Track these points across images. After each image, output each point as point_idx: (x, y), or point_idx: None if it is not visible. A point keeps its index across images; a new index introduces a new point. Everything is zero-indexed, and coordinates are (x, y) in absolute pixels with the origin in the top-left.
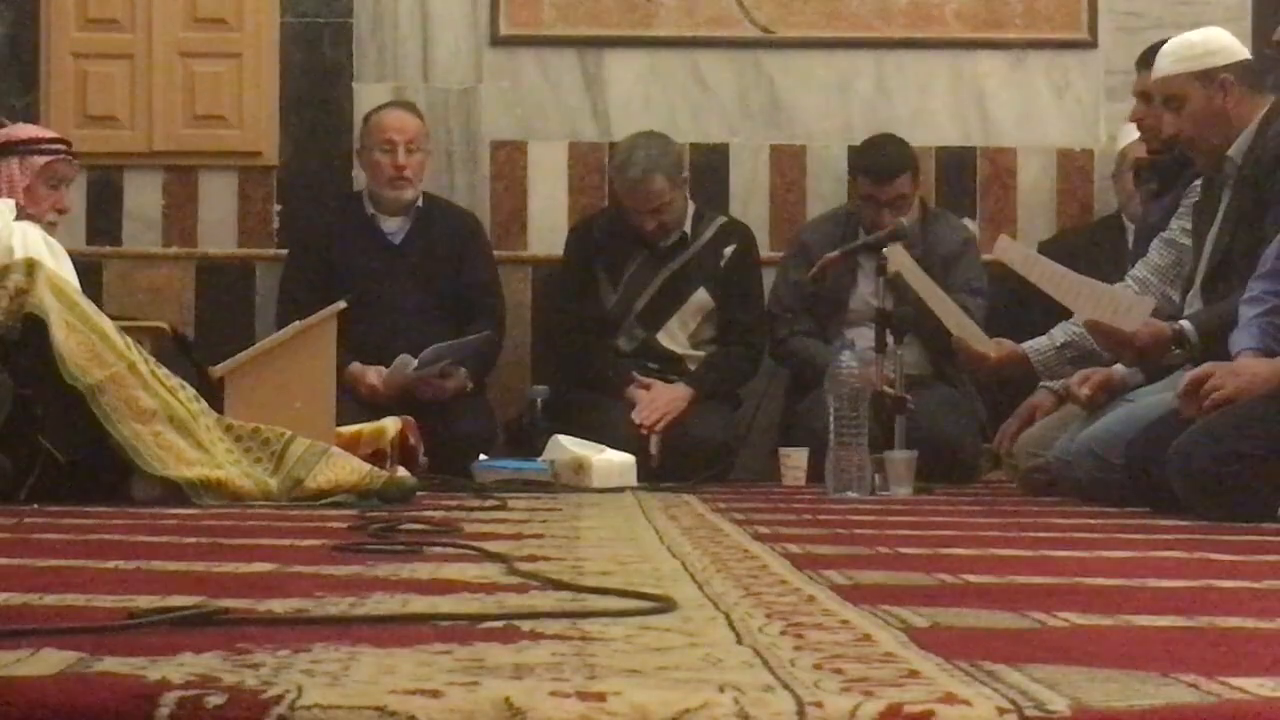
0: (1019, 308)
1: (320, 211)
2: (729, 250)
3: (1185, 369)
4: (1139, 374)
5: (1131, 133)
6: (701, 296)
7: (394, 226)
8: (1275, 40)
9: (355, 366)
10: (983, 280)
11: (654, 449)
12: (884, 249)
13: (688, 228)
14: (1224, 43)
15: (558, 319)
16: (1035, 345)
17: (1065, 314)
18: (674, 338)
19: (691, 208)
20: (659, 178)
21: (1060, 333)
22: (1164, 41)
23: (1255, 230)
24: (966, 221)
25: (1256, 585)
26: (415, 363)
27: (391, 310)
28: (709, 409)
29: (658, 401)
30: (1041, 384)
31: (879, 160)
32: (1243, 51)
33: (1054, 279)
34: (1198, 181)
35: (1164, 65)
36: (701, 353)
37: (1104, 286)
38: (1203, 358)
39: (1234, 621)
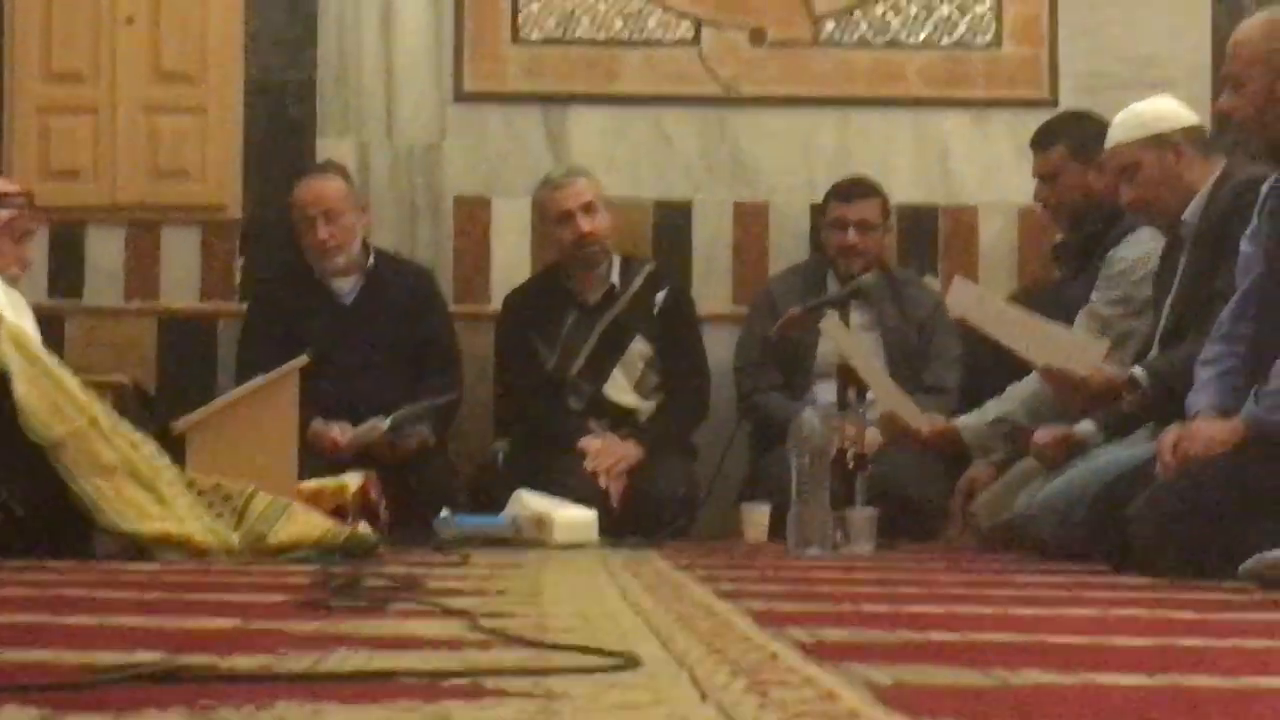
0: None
1: (276, 270)
2: (660, 296)
3: (1147, 429)
4: (1099, 433)
5: None
6: (639, 346)
7: (345, 287)
8: (1216, 107)
9: (318, 423)
10: (958, 348)
11: (614, 498)
12: (827, 312)
13: (615, 279)
14: (1172, 109)
15: (506, 383)
16: (967, 421)
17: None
18: (621, 390)
19: (617, 260)
20: (583, 179)
21: (993, 408)
22: (1053, 121)
23: (1209, 287)
24: (929, 279)
25: (1219, 643)
26: (386, 424)
27: (348, 369)
28: (667, 463)
29: (610, 450)
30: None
31: (850, 182)
32: (1191, 117)
33: (1008, 324)
34: (1112, 253)
35: (1115, 135)
36: (651, 403)
37: (1060, 327)
38: (1154, 403)
39: (1197, 680)
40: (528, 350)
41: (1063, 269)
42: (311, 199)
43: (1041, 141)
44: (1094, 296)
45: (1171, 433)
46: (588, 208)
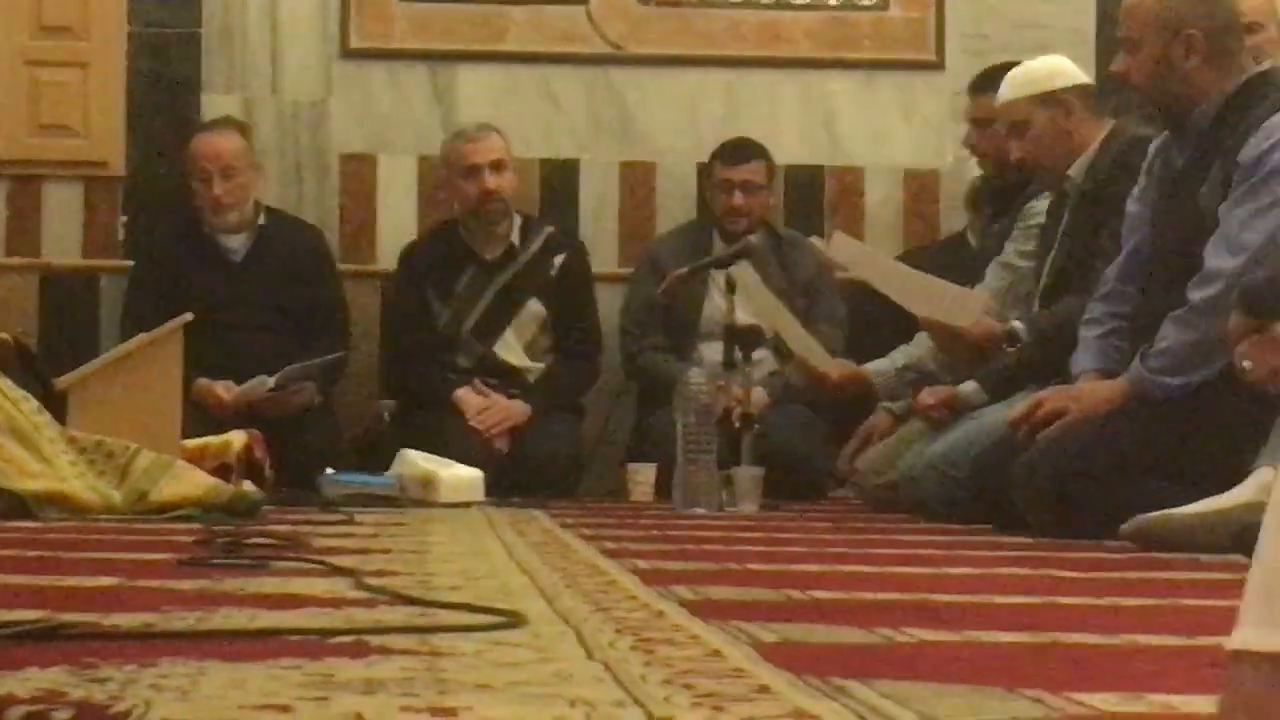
0: (872, 328)
1: (164, 226)
2: (559, 260)
3: (1029, 390)
4: (983, 394)
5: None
6: (534, 307)
7: (235, 244)
8: (1111, 71)
9: (203, 381)
10: (842, 308)
11: (501, 445)
12: (730, 268)
13: (515, 239)
14: (1064, 67)
15: (392, 342)
16: (876, 366)
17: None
18: (511, 350)
19: (518, 220)
20: (496, 136)
21: (900, 355)
22: (995, 68)
23: (1090, 246)
24: (815, 240)
25: (1099, 601)
26: (271, 382)
27: (236, 327)
28: (553, 423)
29: (496, 408)
30: (881, 405)
31: (735, 144)
32: (1083, 76)
33: (889, 276)
34: (1030, 204)
35: (1007, 92)
36: (540, 364)
37: (938, 281)
38: (1033, 356)
39: (1077, 637)
40: (421, 305)
41: (979, 215)
42: (209, 154)
43: (979, 86)
44: (1007, 247)
45: (1046, 392)
46: (496, 165)
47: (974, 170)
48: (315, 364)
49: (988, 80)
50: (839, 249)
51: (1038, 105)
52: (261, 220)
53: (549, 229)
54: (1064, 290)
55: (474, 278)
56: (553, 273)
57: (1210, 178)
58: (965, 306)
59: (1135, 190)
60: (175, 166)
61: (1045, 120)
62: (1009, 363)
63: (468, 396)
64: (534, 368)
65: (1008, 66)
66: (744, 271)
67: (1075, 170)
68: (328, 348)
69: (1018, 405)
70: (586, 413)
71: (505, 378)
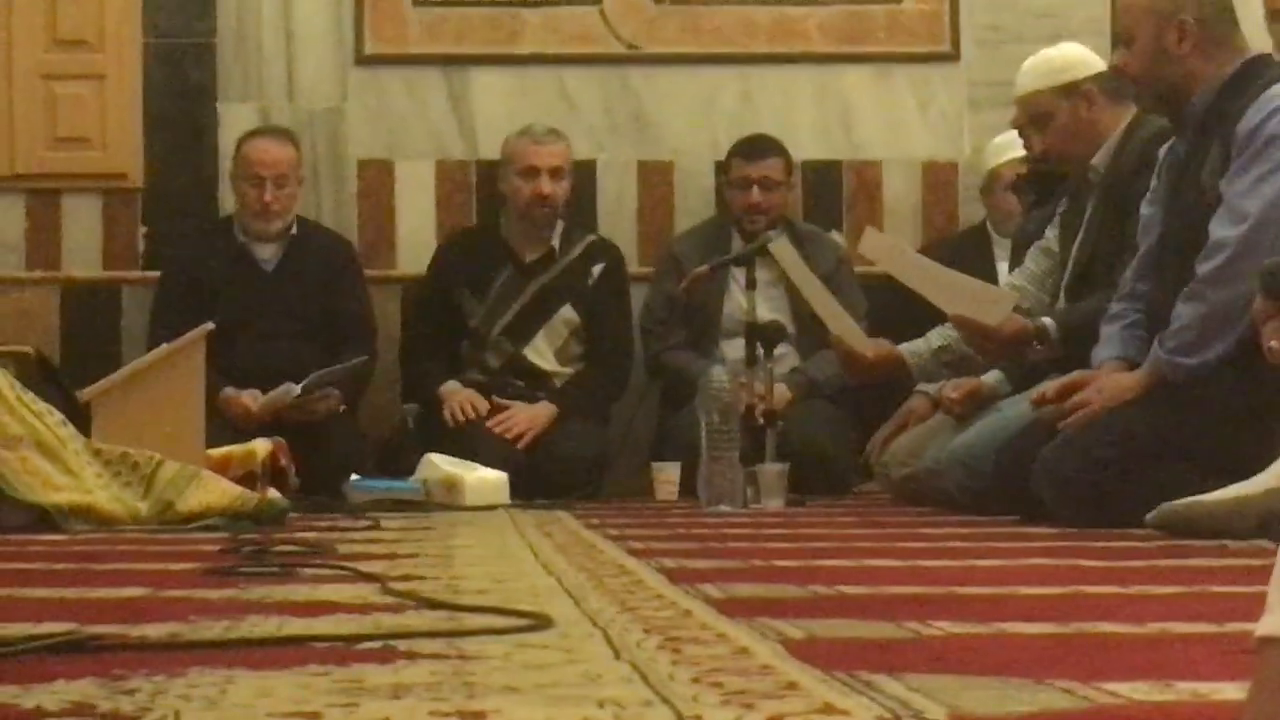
0: (897, 317)
1: (189, 236)
2: (597, 269)
3: (1050, 378)
4: (1007, 384)
5: (1001, 151)
6: (568, 313)
7: (267, 254)
8: (1110, 66)
9: (229, 391)
10: (863, 301)
11: (520, 444)
12: (767, 245)
13: (556, 243)
14: (1082, 56)
15: (406, 336)
16: (911, 347)
17: (941, 319)
18: (541, 354)
19: (560, 225)
20: (563, 144)
21: (936, 336)
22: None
23: (1117, 238)
24: (835, 235)
25: (1126, 590)
26: (298, 390)
27: (264, 336)
28: (578, 425)
29: (517, 417)
30: (917, 389)
31: (752, 141)
32: (1101, 64)
33: (920, 273)
34: None
35: (1025, 83)
36: (569, 369)
37: (969, 279)
38: (1063, 354)
39: (1105, 627)
40: (444, 300)
41: (1023, 200)
42: (267, 160)
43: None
44: (1048, 233)
45: (1076, 374)
46: (556, 172)
47: (990, 161)
48: (340, 369)
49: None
50: (870, 246)
51: (1060, 97)
52: (293, 230)
53: (591, 237)
54: (1090, 284)
55: (510, 278)
56: (590, 281)
57: (1210, 156)
58: (996, 304)
59: (1149, 193)
60: (195, 176)
61: (1068, 112)
62: (1039, 360)
63: (450, 393)
64: (562, 372)
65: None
66: (782, 245)
67: (1099, 159)
68: (354, 356)
69: (1045, 384)
70: (611, 413)
71: (533, 381)
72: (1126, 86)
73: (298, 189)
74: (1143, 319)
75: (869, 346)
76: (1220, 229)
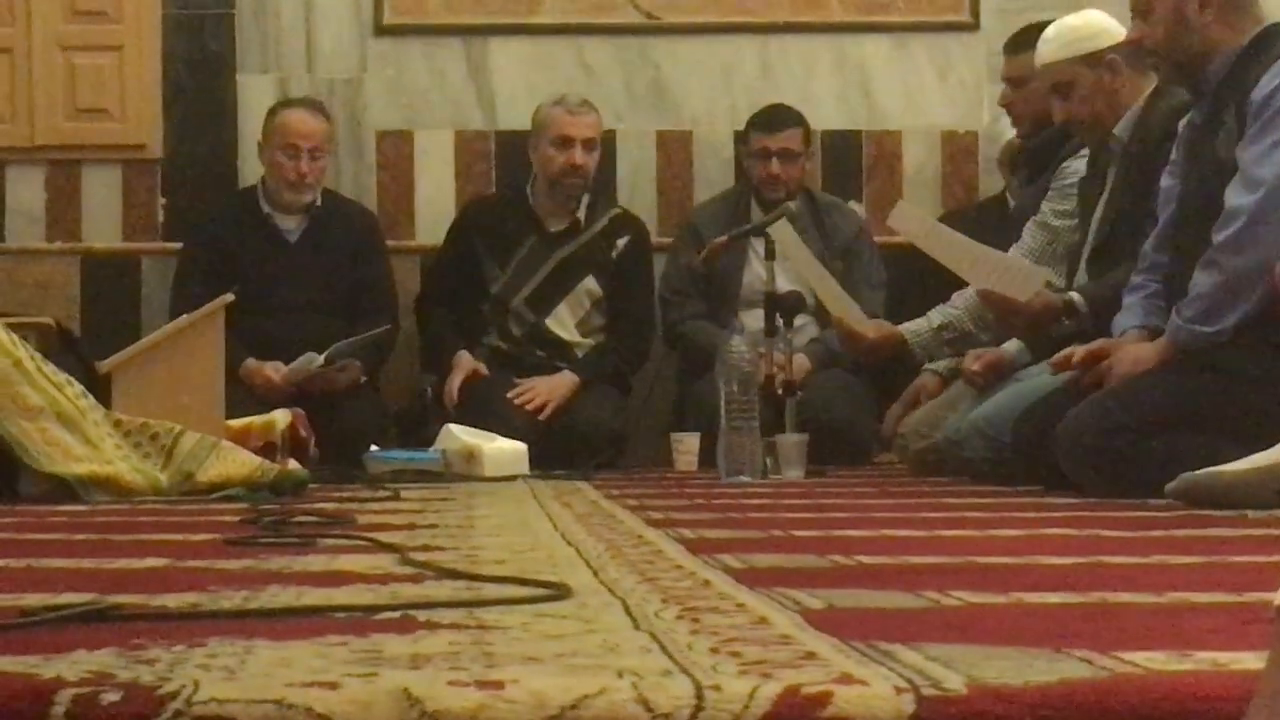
0: (918, 288)
1: (211, 207)
2: (622, 242)
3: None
4: (1028, 354)
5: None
6: (590, 284)
7: (291, 225)
8: (1124, 40)
9: (251, 362)
10: (882, 272)
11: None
12: (769, 228)
13: (581, 214)
14: (1106, 24)
15: (422, 293)
16: (913, 327)
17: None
18: (563, 324)
19: (586, 197)
20: (596, 115)
21: (937, 315)
22: (1031, 26)
23: (1140, 206)
24: (854, 205)
25: (1146, 560)
26: (320, 359)
27: (286, 307)
28: (599, 395)
29: (538, 389)
30: (926, 366)
31: (771, 112)
32: (1124, 31)
33: (949, 247)
34: (1065, 164)
35: (1048, 52)
36: (590, 341)
37: (999, 254)
38: (1091, 328)
39: (1125, 597)
40: (467, 262)
41: (1016, 174)
42: (305, 132)
43: (1015, 46)
44: (1044, 206)
45: (1100, 341)
46: (589, 143)
47: (1008, 131)
48: (363, 339)
49: (1023, 39)
50: (900, 219)
51: (1083, 66)
52: (317, 202)
53: (616, 210)
54: (1113, 253)
55: (535, 247)
56: (614, 254)
57: (1225, 125)
58: (1026, 280)
59: (1169, 165)
60: (214, 147)
61: (1092, 81)
62: (1067, 334)
63: (462, 360)
64: (583, 343)
65: (1043, 26)
66: (782, 229)
67: (1121, 128)
68: (375, 326)
69: (1069, 349)
70: (631, 384)
71: (554, 351)
72: (1149, 56)
73: (328, 163)
74: (1163, 289)
75: (870, 327)
76: (1235, 197)
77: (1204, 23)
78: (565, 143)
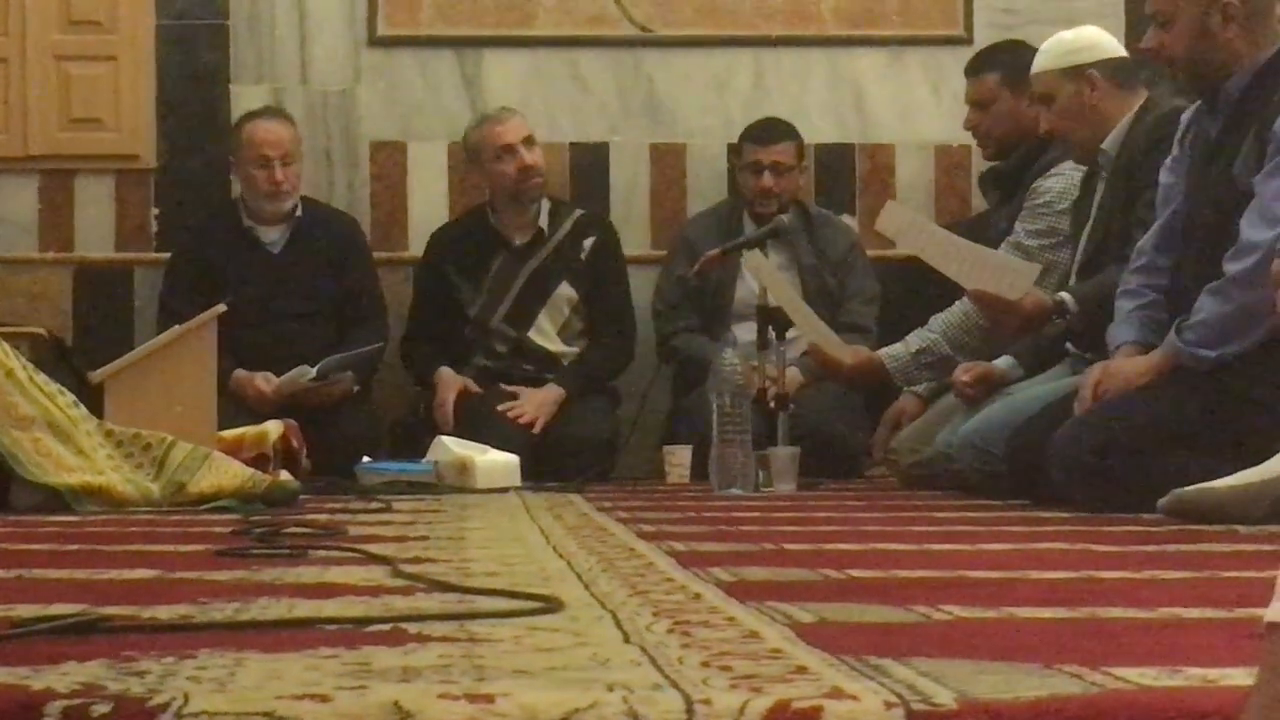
0: (911, 301)
1: (198, 218)
2: (588, 243)
3: (1066, 363)
4: (1019, 368)
5: None
6: (566, 290)
7: (273, 236)
8: (1141, 47)
9: (241, 373)
10: (875, 286)
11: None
12: (745, 253)
13: (544, 223)
14: (1097, 40)
15: (408, 325)
16: (891, 352)
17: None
18: (545, 335)
19: (547, 204)
20: (520, 116)
21: (915, 339)
22: (991, 48)
23: (1127, 217)
24: (846, 219)
25: (1137, 575)
26: (313, 372)
27: (274, 318)
28: (589, 407)
29: (527, 405)
30: (906, 389)
31: (763, 124)
32: (1116, 49)
33: (940, 247)
34: (1037, 184)
35: (1037, 62)
36: (575, 348)
37: (990, 252)
38: (1081, 327)
39: (1115, 612)
40: (441, 289)
41: (989, 198)
42: (272, 141)
43: (976, 68)
44: (1017, 227)
45: (1096, 370)
46: (528, 141)
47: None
48: (355, 354)
49: (982, 61)
50: (888, 219)
51: (1063, 78)
52: (298, 211)
53: (578, 212)
54: (1102, 264)
55: (504, 264)
56: (583, 255)
57: (1244, 150)
58: (1016, 277)
59: (1168, 160)
60: (208, 158)
61: (1070, 94)
62: (1056, 334)
63: (445, 376)
64: (568, 352)
65: (1003, 48)
66: (755, 257)
67: (1109, 143)
68: (365, 337)
69: (1083, 390)
70: (622, 395)
71: (540, 363)
72: (1138, 72)
73: (301, 167)
74: (1160, 299)
75: (847, 353)
76: (1252, 230)
77: (1227, 37)
78: (508, 150)
